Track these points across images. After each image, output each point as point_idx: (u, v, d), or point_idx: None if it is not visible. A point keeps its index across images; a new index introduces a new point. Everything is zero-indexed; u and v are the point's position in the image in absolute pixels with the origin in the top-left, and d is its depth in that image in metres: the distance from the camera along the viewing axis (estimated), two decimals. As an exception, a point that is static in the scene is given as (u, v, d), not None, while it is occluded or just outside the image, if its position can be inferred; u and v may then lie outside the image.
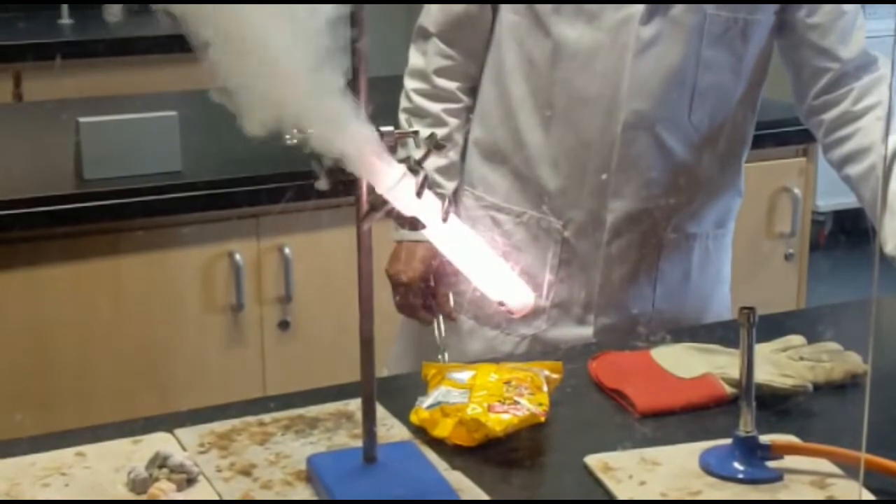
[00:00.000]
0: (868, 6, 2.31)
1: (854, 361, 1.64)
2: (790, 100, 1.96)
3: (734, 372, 1.49)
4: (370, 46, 1.21)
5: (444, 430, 1.43)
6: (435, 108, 1.95)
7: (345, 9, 1.16)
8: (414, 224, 1.23)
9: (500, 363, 1.60)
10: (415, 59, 1.99)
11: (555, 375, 1.56)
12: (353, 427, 1.47)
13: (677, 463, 1.40)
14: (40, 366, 2.44)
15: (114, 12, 1.37)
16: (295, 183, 2.34)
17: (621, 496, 1.34)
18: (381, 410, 1.43)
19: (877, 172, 1.80)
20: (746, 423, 1.37)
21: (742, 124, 1.94)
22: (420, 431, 1.46)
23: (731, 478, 1.36)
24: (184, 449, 1.42)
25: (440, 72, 1.96)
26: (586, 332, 1.93)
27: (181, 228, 2.51)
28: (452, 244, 1.26)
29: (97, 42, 4.03)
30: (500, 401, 1.45)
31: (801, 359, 1.64)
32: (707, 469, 1.38)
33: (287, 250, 2.60)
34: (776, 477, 1.36)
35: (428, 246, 1.67)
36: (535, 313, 1.88)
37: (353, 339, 1.33)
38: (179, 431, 1.46)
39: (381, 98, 1.26)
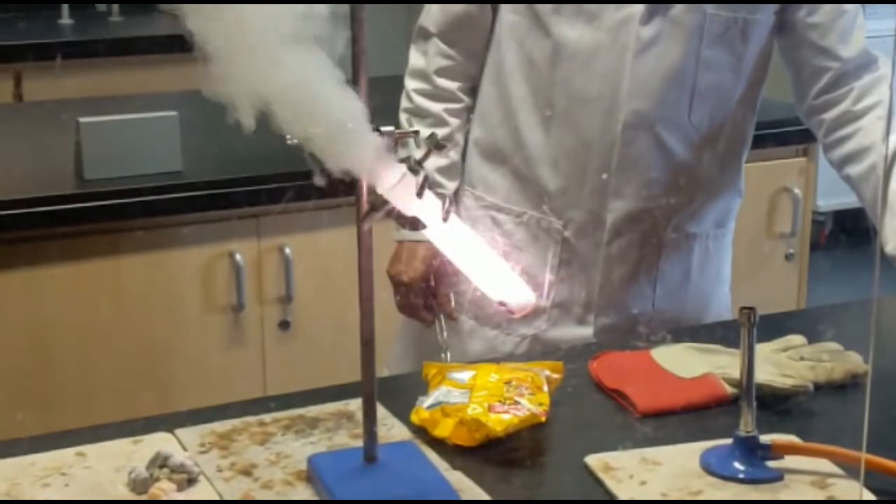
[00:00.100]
0: (868, 6, 2.31)
1: (855, 361, 1.64)
2: (790, 100, 1.96)
3: (735, 372, 1.49)
4: (370, 46, 1.21)
5: (444, 430, 1.43)
6: (436, 108, 1.95)
7: (345, 8, 1.16)
8: (414, 224, 1.23)
9: (501, 363, 1.59)
10: (415, 59, 1.99)
11: (555, 375, 1.56)
12: (354, 427, 1.47)
13: (678, 463, 1.40)
14: (40, 366, 2.44)
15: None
16: (295, 183, 2.34)
17: (622, 496, 1.34)
18: (381, 410, 1.43)
19: (877, 172, 1.80)
20: (747, 422, 1.37)
21: (742, 124, 1.94)
22: (420, 431, 1.46)
23: (731, 478, 1.36)
24: (184, 449, 1.42)
25: (441, 72, 1.96)
26: (586, 331, 1.93)
27: (181, 228, 2.51)
28: (453, 244, 1.26)
29: (97, 42, 4.03)
30: (500, 401, 1.45)
31: (802, 359, 1.64)
32: (708, 469, 1.38)
33: (287, 250, 2.60)
34: (777, 477, 1.36)
35: (429, 246, 1.67)
36: (535, 313, 1.88)
37: (353, 339, 1.33)
38: (180, 431, 1.46)
39: (381, 98, 1.26)
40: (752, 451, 1.37)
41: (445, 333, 1.96)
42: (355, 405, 1.50)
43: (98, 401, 2.44)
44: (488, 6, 1.92)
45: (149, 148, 2.48)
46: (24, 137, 2.98)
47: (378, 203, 1.22)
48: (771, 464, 1.37)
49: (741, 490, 1.35)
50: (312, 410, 1.52)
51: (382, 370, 1.75)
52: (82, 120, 2.45)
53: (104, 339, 2.47)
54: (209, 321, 2.56)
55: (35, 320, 2.43)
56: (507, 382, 1.49)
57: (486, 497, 1.33)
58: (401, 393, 1.55)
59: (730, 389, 1.55)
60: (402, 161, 1.21)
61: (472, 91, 1.97)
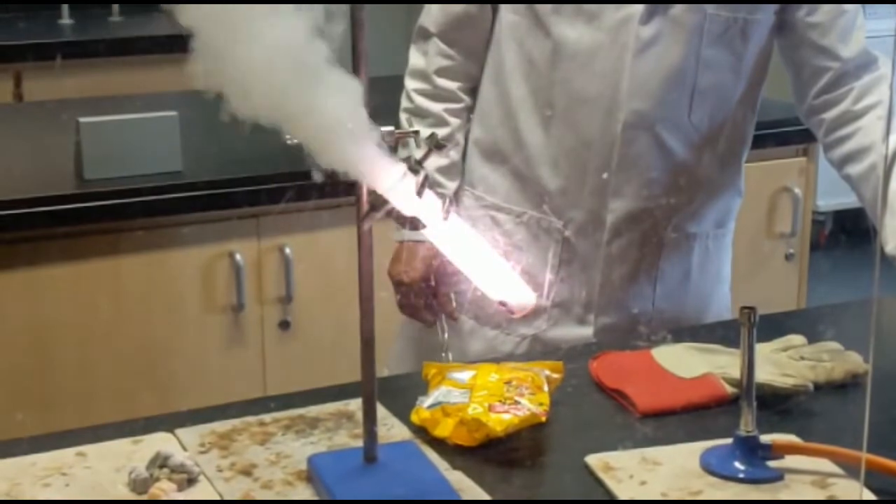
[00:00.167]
0: (868, 6, 2.31)
1: (855, 361, 1.64)
2: (790, 100, 1.96)
3: (735, 372, 1.49)
4: (370, 46, 1.21)
5: (444, 429, 1.43)
6: (436, 108, 1.96)
7: (345, 8, 1.16)
8: (414, 224, 1.23)
9: (501, 363, 1.59)
10: (415, 59, 1.99)
11: (555, 375, 1.56)
12: (354, 427, 1.47)
13: (678, 463, 1.40)
14: (40, 366, 2.44)
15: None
16: (295, 183, 2.35)
17: (622, 496, 1.33)
18: (381, 410, 1.43)
19: (877, 172, 1.80)
20: (747, 422, 1.37)
21: (742, 124, 1.94)
22: (421, 431, 1.46)
23: (731, 477, 1.36)
24: (184, 449, 1.42)
25: (441, 72, 1.96)
26: (587, 331, 1.93)
27: (181, 228, 2.51)
28: (453, 244, 1.26)
29: (97, 42, 4.03)
30: (500, 401, 1.45)
31: (802, 358, 1.64)
32: (708, 469, 1.38)
33: (287, 250, 2.59)
34: (777, 477, 1.36)
35: (429, 246, 1.67)
36: (535, 313, 1.88)
37: (353, 339, 1.33)
38: (180, 431, 1.46)
39: (381, 98, 1.26)
40: (753, 451, 1.37)
41: (447, 334, 1.96)
42: (355, 405, 1.50)
43: (98, 401, 2.44)
44: (488, 6, 1.92)
45: (149, 148, 2.48)
46: (24, 137, 2.98)
47: (378, 203, 1.22)
48: (771, 464, 1.37)
49: (741, 490, 1.35)
50: (312, 410, 1.52)
51: (382, 370, 1.75)
52: (82, 120, 2.45)
53: (104, 339, 2.47)
54: (209, 321, 2.56)
55: (35, 320, 2.43)
56: (508, 382, 1.49)
57: (486, 497, 1.33)
58: (401, 393, 1.55)
59: (730, 389, 1.55)
60: (402, 161, 1.21)
61: (473, 91, 1.97)
